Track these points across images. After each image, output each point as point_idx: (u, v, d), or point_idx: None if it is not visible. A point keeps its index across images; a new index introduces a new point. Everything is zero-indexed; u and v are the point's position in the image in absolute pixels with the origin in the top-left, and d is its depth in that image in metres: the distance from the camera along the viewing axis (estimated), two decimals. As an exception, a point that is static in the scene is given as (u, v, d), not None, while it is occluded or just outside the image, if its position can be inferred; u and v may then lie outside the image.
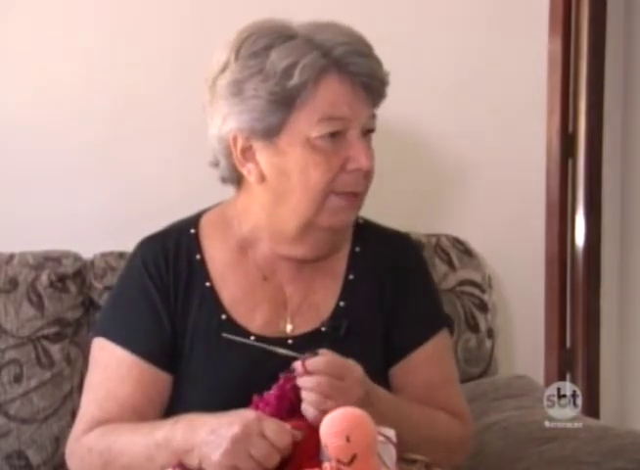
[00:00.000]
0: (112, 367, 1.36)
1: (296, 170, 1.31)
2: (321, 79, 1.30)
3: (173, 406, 1.36)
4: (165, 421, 1.27)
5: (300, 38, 1.31)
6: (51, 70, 1.86)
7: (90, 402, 1.37)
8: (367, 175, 1.35)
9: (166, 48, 1.88)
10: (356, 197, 1.35)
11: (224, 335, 1.30)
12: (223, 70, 1.34)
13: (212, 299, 1.39)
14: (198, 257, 1.41)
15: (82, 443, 1.33)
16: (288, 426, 1.16)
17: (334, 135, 1.31)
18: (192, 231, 1.43)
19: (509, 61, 2.06)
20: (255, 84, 1.30)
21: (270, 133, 1.31)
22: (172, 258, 1.40)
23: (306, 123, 1.31)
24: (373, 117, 1.36)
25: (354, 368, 1.23)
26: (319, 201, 1.32)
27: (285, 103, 1.30)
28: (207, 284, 1.40)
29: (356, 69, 1.31)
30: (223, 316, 1.38)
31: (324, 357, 1.21)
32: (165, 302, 1.38)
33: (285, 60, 1.29)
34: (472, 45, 2.03)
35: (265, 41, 1.31)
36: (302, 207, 1.33)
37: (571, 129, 2.15)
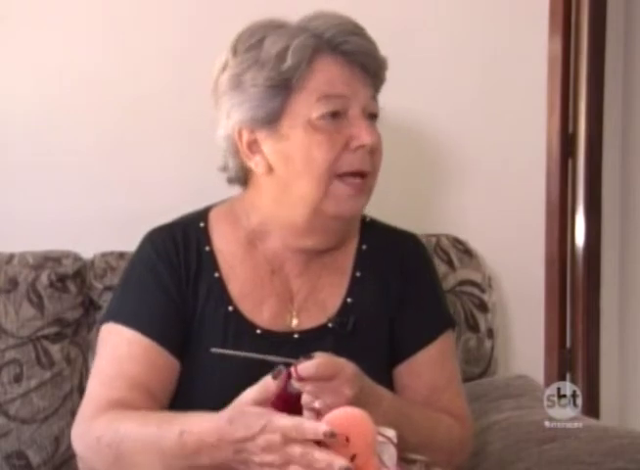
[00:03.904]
0: (122, 347, 1.34)
1: (299, 154, 1.32)
2: (315, 59, 1.31)
3: (176, 395, 1.35)
4: (171, 430, 1.18)
5: (293, 25, 1.34)
6: (53, 73, 1.85)
7: (99, 383, 1.34)
8: (373, 152, 1.35)
9: (168, 52, 1.88)
10: (364, 179, 1.35)
11: (213, 350, 1.26)
12: (223, 69, 1.36)
13: (220, 290, 1.39)
14: (207, 248, 1.41)
15: (91, 429, 1.28)
16: None
17: (334, 115, 1.32)
18: (201, 225, 1.44)
19: (509, 61, 2.05)
20: (253, 74, 1.32)
21: (272, 119, 1.32)
22: (182, 248, 1.40)
23: (305, 105, 1.32)
24: (374, 98, 1.37)
25: (346, 367, 1.19)
26: (325, 184, 1.32)
27: (282, 86, 1.31)
28: (216, 275, 1.40)
29: (350, 48, 1.33)
30: (230, 308, 1.38)
31: (315, 361, 1.16)
32: (177, 285, 1.37)
33: (277, 44, 1.31)
34: (472, 45, 2.03)
35: (259, 34, 1.34)
36: (309, 191, 1.33)
37: (571, 129, 2.14)
